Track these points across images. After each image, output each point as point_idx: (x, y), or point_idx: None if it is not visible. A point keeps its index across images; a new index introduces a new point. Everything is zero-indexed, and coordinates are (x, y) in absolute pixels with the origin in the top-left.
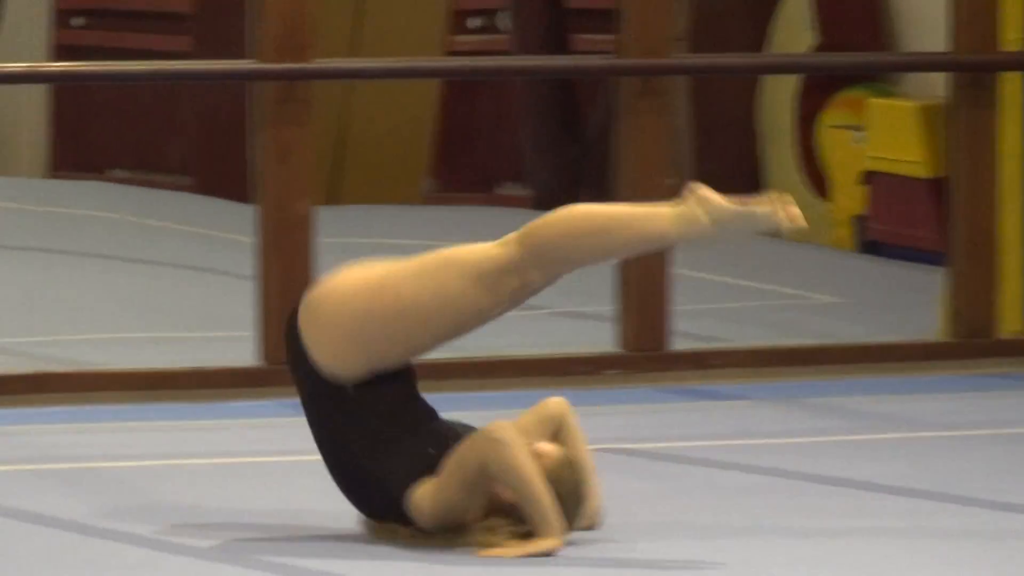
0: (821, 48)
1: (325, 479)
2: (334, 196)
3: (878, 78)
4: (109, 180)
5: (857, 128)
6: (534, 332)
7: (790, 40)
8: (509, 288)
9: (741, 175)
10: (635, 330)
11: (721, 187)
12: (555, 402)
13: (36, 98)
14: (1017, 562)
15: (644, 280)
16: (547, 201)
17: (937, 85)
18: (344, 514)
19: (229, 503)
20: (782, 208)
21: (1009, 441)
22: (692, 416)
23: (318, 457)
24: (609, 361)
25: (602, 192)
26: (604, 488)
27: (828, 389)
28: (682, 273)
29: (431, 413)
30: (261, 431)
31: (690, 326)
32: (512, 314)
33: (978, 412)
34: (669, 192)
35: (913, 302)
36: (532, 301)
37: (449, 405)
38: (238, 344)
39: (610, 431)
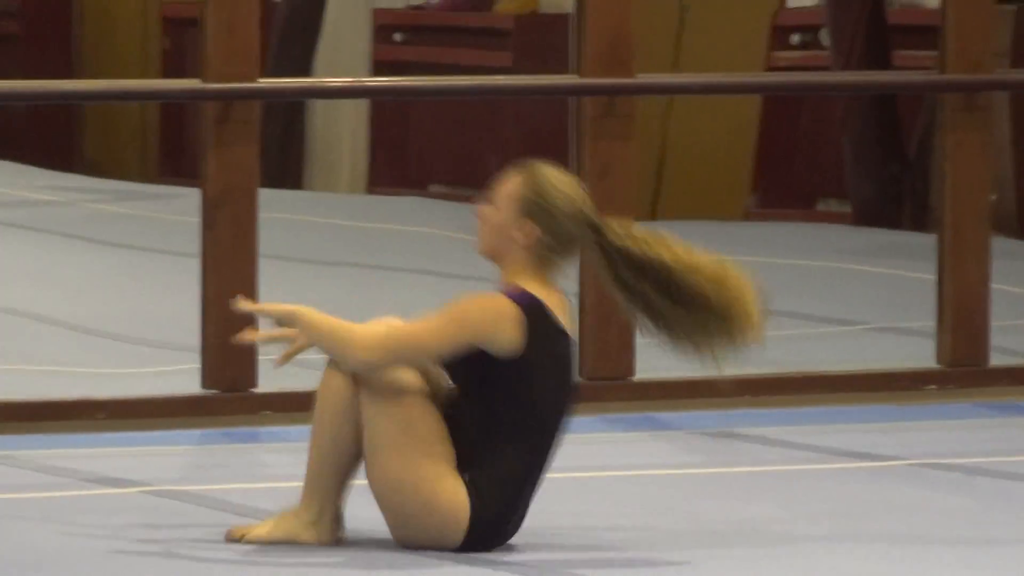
0: None
1: (650, 494)
2: (654, 211)
3: None
4: (428, 196)
5: None
6: (853, 348)
7: None
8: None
9: None
10: (955, 345)
11: None
12: None
13: (356, 114)
14: None
15: (964, 295)
16: (868, 217)
17: None
18: (666, 530)
19: (558, 518)
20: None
21: None
22: (1012, 432)
23: (637, 472)
24: (929, 377)
25: (923, 208)
26: (923, 502)
27: None
28: (1001, 288)
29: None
30: (581, 447)
31: (1010, 342)
32: (830, 330)
33: None
34: (986, 209)
35: None
36: (848, 317)
37: (766, 420)
38: None
39: (929, 446)
